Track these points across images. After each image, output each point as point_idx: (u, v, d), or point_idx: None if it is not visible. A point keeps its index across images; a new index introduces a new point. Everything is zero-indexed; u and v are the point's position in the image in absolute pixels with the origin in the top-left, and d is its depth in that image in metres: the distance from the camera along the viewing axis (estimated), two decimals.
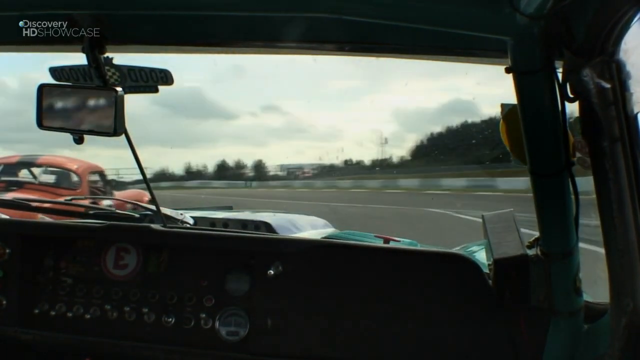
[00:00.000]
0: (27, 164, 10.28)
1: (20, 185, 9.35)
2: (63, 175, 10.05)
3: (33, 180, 9.77)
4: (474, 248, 2.48)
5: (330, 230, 3.12)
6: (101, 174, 10.68)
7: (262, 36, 1.55)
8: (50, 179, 9.85)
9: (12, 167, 10.08)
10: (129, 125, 1.60)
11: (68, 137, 1.60)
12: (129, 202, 2.32)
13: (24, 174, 9.99)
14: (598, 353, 1.41)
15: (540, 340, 1.55)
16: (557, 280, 1.46)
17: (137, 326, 1.83)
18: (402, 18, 1.28)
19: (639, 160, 1.13)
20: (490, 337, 1.67)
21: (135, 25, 1.52)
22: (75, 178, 9.93)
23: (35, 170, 10.03)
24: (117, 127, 1.54)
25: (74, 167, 10.16)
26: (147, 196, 11.38)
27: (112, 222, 1.99)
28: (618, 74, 1.08)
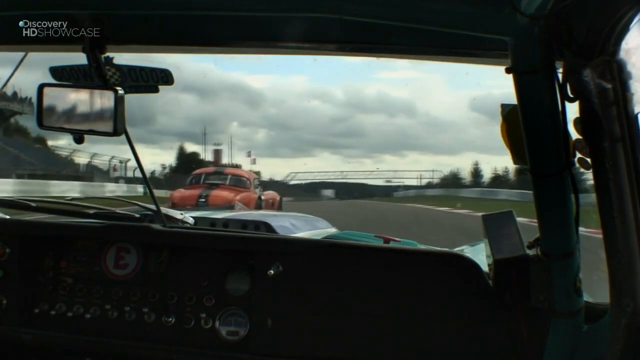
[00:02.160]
0: (219, 173, 17.76)
1: (218, 185, 16.09)
2: (241, 180, 16.89)
3: (224, 182, 16.43)
4: (474, 248, 2.48)
5: (330, 230, 3.12)
6: (259, 179, 18.25)
7: (262, 36, 1.55)
8: (234, 182, 16.61)
9: (210, 174, 17.44)
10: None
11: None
12: (130, 202, 2.31)
13: (217, 179, 16.74)
14: (598, 353, 1.40)
15: (540, 341, 1.55)
16: (557, 281, 1.46)
17: (137, 326, 1.83)
18: (403, 18, 1.28)
19: (639, 161, 1.13)
20: (490, 337, 1.66)
21: (135, 25, 1.52)
22: (247, 182, 16.74)
23: (224, 176, 17.04)
24: (117, 127, 1.54)
25: (246, 175, 18.08)
26: (278, 196, 17.40)
27: (112, 222, 1.99)
28: (619, 74, 1.08)
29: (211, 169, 19.57)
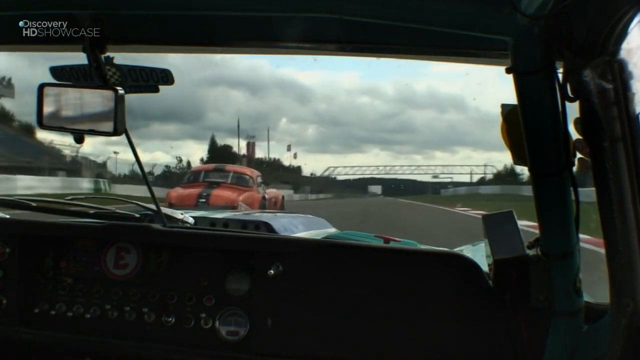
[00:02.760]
0: (220, 170, 16.13)
1: (219, 184, 14.82)
2: (243, 178, 15.50)
3: (226, 181, 15.13)
4: (474, 248, 2.48)
5: (330, 230, 3.12)
6: (262, 177, 16.44)
7: (262, 36, 1.55)
8: (235, 180, 15.28)
9: (210, 172, 15.91)
10: None
11: None
12: (130, 202, 2.31)
13: (217, 177, 15.38)
14: (598, 353, 1.41)
15: (540, 341, 1.55)
16: (557, 281, 1.46)
17: (137, 326, 1.83)
18: (403, 18, 1.28)
19: None
20: (490, 337, 1.66)
21: (135, 25, 1.52)
22: (250, 181, 15.42)
23: (225, 174, 15.62)
24: (117, 127, 1.54)
25: (248, 172, 16.35)
26: (281, 194, 16.40)
27: (112, 222, 1.99)
28: (620, 74, 1.08)
29: (211, 166, 18.09)
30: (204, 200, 13.80)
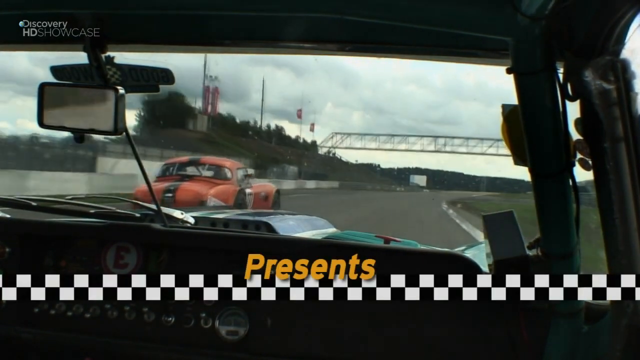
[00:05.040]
0: (194, 162, 14.56)
1: (191, 177, 13.26)
2: (220, 171, 13.76)
3: (199, 174, 13.56)
4: (474, 248, 2.48)
5: (330, 230, 3.12)
6: (244, 170, 14.69)
7: (263, 36, 1.55)
8: (211, 173, 13.66)
9: (184, 165, 14.24)
10: None
11: None
12: (130, 202, 2.32)
13: (192, 170, 13.83)
14: (598, 354, 1.41)
15: (540, 341, 1.55)
16: None
17: (137, 325, 1.83)
18: (403, 18, 1.28)
19: None
20: (490, 338, 1.66)
21: (136, 24, 1.53)
22: (228, 173, 13.66)
23: (199, 166, 14.02)
24: (117, 126, 1.54)
25: (227, 164, 14.31)
26: (274, 188, 14.17)
27: (112, 222, 1.99)
28: (623, 74, 1.08)
29: (185, 158, 16.04)
30: (170, 194, 12.31)
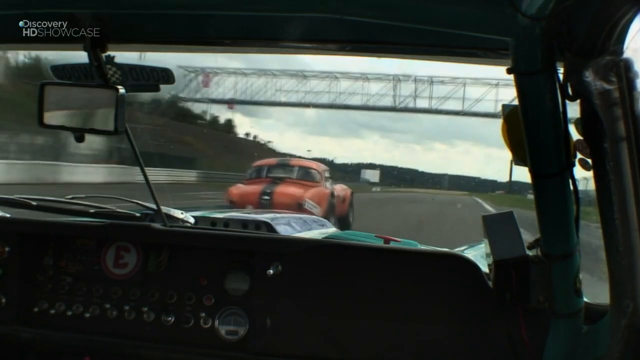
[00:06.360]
0: (284, 165, 14.74)
1: (282, 180, 13.43)
2: (310, 173, 13.98)
3: (291, 176, 13.69)
4: (474, 249, 2.48)
5: (330, 230, 3.12)
6: (329, 172, 14.96)
7: (263, 36, 1.55)
8: (301, 175, 13.80)
9: (274, 167, 14.46)
10: None
11: None
12: (130, 201, 2.31)
13: (282, 172, 14.00)
14: (598, 354, 1.40)
15: (540, 341, 1.55)
16: (557, 281, 1.46)
17: (137, 325, 1.83)
18: (404, 18, 1.28)
19: None
20: (490, 338, 1.66)
21: (135, 24, 1.52)
22: (317, 175, 13.89)
23: (289, 169, 14.17)
24: (118, 126, 1.54)
25: (314, 166, 14.66)
26: (349, 190, 13.67)
27: (112, 221, 1.99)
28: (625, 73, 1.08)
29: (273, 160, 15.95)
30: (267, 197, 12.48)
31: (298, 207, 11.66)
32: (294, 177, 13.71)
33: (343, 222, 12.93)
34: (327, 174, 14.40)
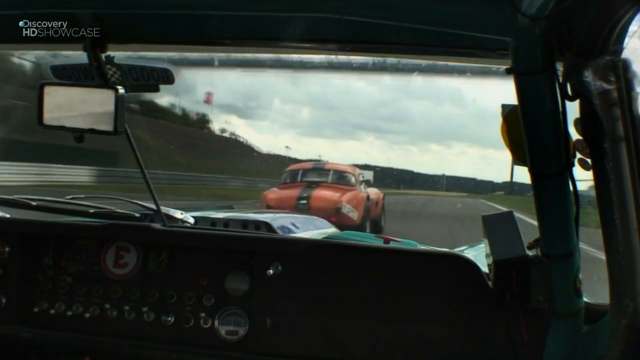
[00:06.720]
0: (319, 169, 14.52)
1: (318, 184, 13.19)
2: (345, 176, 13.73)
3: (326, 180, 13.46)
4: (474, 248, 2.48)
5: (330, 230, 3.12)
6: (363, 175, 14.69)
7: (263, 36, 1.55)
8: (336, 179, 13.52)
9: (308, 171, 14.25)
10: None
11: None
12: (130, 202, 2.31)
13: (317, 176, 13.78)
14: (597, 354, 1.40)
15: (540, 341, 1.55)
16: (557, 282, 1.46)
17: (137, 325, 1.83)
18: (404, 18, 1.28)
19: None
20: (490, 338, 1.66)
21: (135, 24, 1.53)
22: (352, 179, 13.61)
23: (324, 173, 13.95)
24: (117, 126, 1.54)
25: (350, 170, 14.37)
26: (381, 193, 13.38)
27: (112, 221, 1.99)
28: (624, 73, 1.08)
29: (308, 164, 15.73)
30: (304, 202, 12.25)
31: (336, 211, 11.45)
32: (329, 181, 13.45)
33: (376, 226, 12.85)
34: (361, 177, 14.13)
